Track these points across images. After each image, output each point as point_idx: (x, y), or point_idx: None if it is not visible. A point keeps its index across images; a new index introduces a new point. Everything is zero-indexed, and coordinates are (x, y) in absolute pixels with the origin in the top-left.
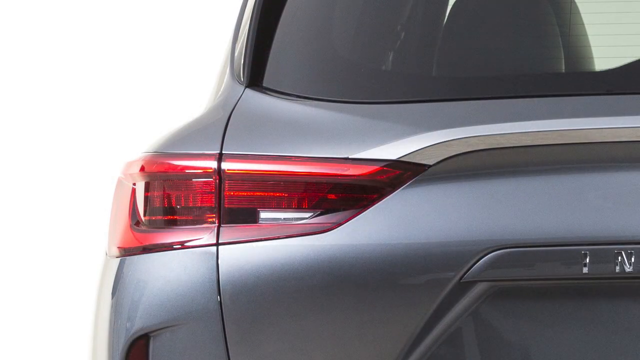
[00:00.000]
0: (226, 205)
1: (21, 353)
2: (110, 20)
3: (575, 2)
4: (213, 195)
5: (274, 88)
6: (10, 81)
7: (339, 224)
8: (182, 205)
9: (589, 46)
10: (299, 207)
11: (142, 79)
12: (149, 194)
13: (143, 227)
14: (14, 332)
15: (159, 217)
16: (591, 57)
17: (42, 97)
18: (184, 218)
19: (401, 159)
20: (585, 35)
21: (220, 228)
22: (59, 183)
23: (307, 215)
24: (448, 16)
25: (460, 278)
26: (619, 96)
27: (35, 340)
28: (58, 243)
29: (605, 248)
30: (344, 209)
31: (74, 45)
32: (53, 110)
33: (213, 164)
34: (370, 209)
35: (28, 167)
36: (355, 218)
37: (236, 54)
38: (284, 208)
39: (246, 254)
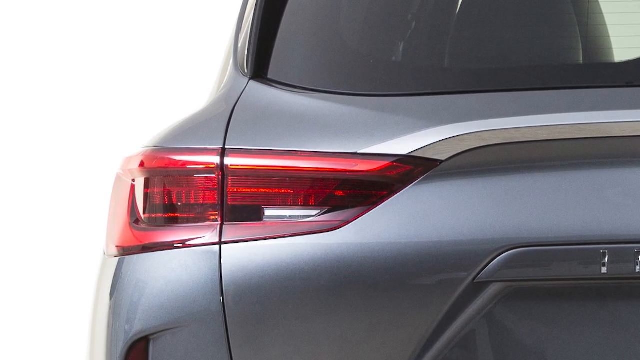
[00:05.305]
0: (229, 202)
1: (20, 354)
2: (110, 13)
3: None
4: (215, 191)
5: (279, 80)
6: (9, 78)
7: (347, 222)
8: (184, 202)
9: (608, 36)
10: (305, 205)
11: (143, 71)
12: (148, 191)
13: (142, 225)
14: (11, 333)
15: (159, 215)
16: (610, 48)
17: (41, 91)
18: (185, 216)
19: (412, 154)
20: (604, 24)
21: (223, 226)
22: (56, 179)
23: (313, 212)
24: (461, 5)
25: (474, 278)
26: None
27: (33, 342)
28: (55, 241)
29: (625, 247)
30: (352, 206)
31: (73, 39)
32: (51, 105)
33: (215, 159)
34: (380, 206)
35: (26, 164)
36: (364, 216)
37: (240, 44)
38: (290, 205)
39: (250, 253)
